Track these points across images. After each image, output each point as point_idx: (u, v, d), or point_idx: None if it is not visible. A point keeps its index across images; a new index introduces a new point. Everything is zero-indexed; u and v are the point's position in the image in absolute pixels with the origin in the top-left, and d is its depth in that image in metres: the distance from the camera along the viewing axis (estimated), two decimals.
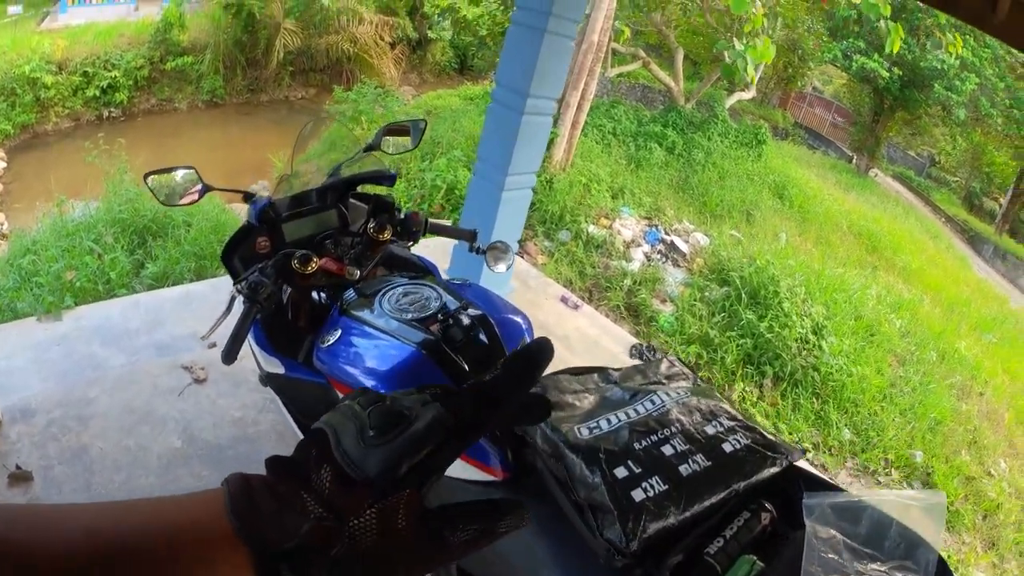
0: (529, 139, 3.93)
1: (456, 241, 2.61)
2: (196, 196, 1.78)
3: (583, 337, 4.92)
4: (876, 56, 16.12)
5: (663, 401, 1.37)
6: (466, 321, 1.51)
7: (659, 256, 7.25)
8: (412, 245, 2.06)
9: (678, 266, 7.19)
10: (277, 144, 9.99)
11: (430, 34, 19.04)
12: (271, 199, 1.86)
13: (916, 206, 20.21)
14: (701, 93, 12.27)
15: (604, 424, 1.30)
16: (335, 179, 1.97)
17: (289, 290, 1.79)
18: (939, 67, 15.50)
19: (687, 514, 1.15)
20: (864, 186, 17.23)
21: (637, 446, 1.24)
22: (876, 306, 7.17)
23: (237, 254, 1.90)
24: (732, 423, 1.35)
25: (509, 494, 1.33)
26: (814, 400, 5.52)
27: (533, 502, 1.28)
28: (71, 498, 2.37)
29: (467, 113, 10.15)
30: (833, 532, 1.15)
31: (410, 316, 1.57)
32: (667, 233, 7.65)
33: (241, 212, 2.13)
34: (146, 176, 1.73)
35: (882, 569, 1.10)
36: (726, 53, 9.73)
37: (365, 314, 1.61)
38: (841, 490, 1.27)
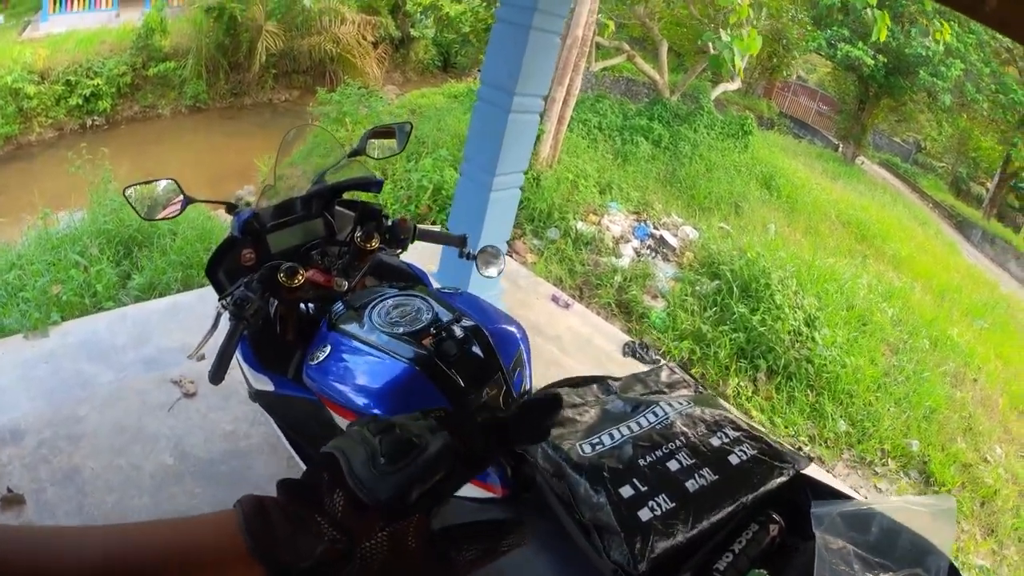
0: (516, 138, 3.87)
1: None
2: (178, 209, 1.73)
3: (575, 336, 4.89)
4: (860, 44, 16.16)
5: (666, 413, 1.33)
6: (460, 333, 1.46)
7: (649, 251, 7.22)
8: (401, 252, 2.02)
9: (668, 261, 7.16)
10: (261, 148, 9.92)
11: (413, 32, 18.91)
12: (255, 210, 1.81)
13: (903, 193, 20.27)
14: (686, 85, 12.25)
15: (607, 439, 1.26)
16: (320, 186, 1.92)
17: (276, 303, 1.74)
18: (924, 54, 15.53)
19: (695, 531, 1.11)
20: (851, 174, 17.25)
21: (642, 462, 1.20)
22: (867, 295, 7.17)
23: (222, 267, 1.85)
24: (737, 433, 1.31)
25: (509, 511, 1.29)
26: (809, 392, 5.50)
27: (534, 519, 1.25)
28: (64, 521, 2.33)
29: (452, 111, 10.09)
30: (843, 542, 1.13)
31: (401, 330, 1.52)
32: (656, 228, 7.62)
33: (226, 219, 2.11)
34: (125, 190, 1.68)
35: None
36: (711, 44, 9.70)
37: (355, 329, 1.56)
38: (848, 497, 1.25)
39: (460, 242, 1.99)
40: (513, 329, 1.67)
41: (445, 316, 1.56)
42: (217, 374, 1.48)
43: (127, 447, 2.72)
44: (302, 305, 1.83)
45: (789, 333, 5.72)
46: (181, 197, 1.73)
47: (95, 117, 13.16)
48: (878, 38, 7.34)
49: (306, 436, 1.82)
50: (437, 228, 4.53)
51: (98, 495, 2.49)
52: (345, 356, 1.52)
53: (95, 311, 4.03)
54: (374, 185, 1.94)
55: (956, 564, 1.13)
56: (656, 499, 1.13)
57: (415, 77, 19.39)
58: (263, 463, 2.75)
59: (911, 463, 5.28)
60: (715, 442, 1.28)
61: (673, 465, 1.20)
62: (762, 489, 1.21)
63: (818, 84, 26.76)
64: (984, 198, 24.62)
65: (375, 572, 0.52)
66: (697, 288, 6.43)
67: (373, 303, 1.63)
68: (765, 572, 1.13)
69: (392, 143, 2.07)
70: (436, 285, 2.04)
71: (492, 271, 2.01)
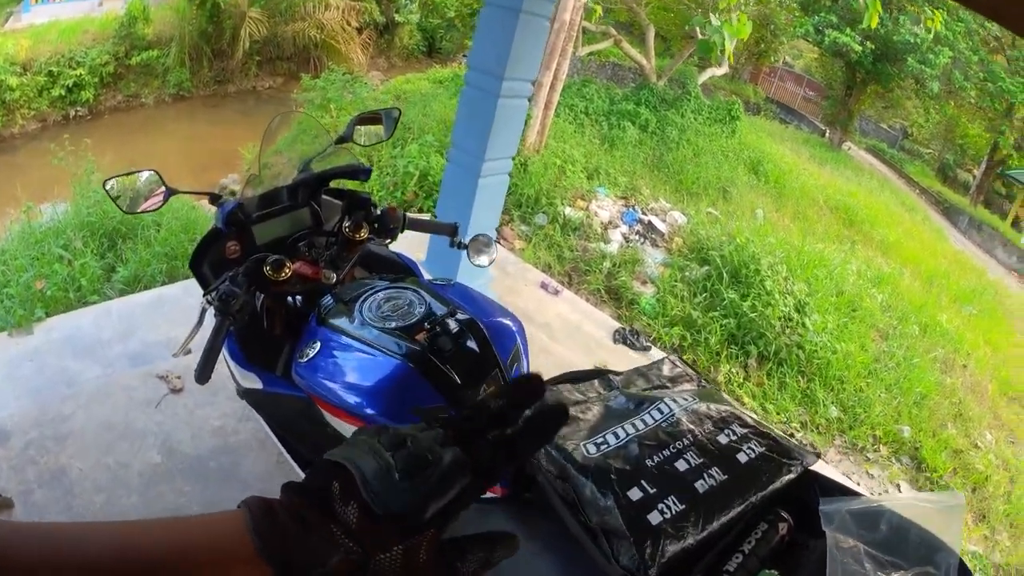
0: (505, 123, 3.82)
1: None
2: (160, 201, 1.67)
3: (565, 323, 4.86)
4: (848, 30, 16.16)
5: (671, 409, 1.28)
6: (454, 328, 1.41)
7: (637, 237, 7.18)
8: (391, 242, 1.96)
9: (657, 246, 7.13)
10: (245, 136, 9.81)
11: (397, 18, 18.76)
12: (239, 201, 1.75)
13: (890, 179, 20.33)
14: (674, 70, 12.20)
15: (611, 439, 1.22)
16: (306, 175, 1.86)
17: (262, 297, 1.69)
18: (912, 41, 15.56)
19: (705, 533, 1.07)
20: (838, 160, 17.27)
21: (649, 463, 1.16)
22: (857, 281, 7.18)
23: (206, 260, 1.78)
24: (745, 430, 1.27)
25: (511, 512, 1.25)
26: (800, 378, 5.50)
27: (536, 520, 1.21)
28: None
29: (437, 97, 10.00)
30: (854, 541, 1.12)
31: (393, 324, 1.47)
32: (644, 213, 7.58)
33: (211, 208, 2.05)
34: (105, 183, 1.61)
35: None
36: (699, 29, 9.65)
37: (345, 324, 1.50)
38: (856, 493, 1.23)
39: (451, 231, 1.94)
40: (509, 322, 1.62)
41: (439, 309, 1.50)
42: (203, 373, 1.43)
43: (114, 445, 2.67)
44: (289, 298, 1.77)
45: (779, 319, 5.70)
46: (163, 188, 1.67)
47: (78, 108, 12.95)
48: (869, 25, 7.31)
49: (296, 434, 1.76)
50: (427, 217, 4.47)
51: (86, 495, 2.44)
52: (335, 353, 1.47)
53: (80, 306, 3.96)
54: (362, 173, 1.88)
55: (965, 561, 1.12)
56: (665, 501, 1.09)
57: (400, 63, 19.25)
58: (252, 460, 2.71)
59: (903, 449, 5.29)
60: (723, 440, 1.24)
61: (681, 465, 1.16)
62: (771, 487, 1.18)
63: (804, 70, 26.80)
64: (971, 185, 24.77)
65: None
66: (686, 274, 6.41)
67: (363, 296, 1.57)
68: (776, 573, 1.11)
69: (379, 129, 2.02)
70: (427, 276, 1.98)
71: (483, 259, 1.96)
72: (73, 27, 13.37)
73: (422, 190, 6.92)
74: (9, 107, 11.82)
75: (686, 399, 1.33)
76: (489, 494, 1.26)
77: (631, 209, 7.60)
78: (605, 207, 7.52)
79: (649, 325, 5.76)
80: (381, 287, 1.61)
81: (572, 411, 1.30)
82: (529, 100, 4.01)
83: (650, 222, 7.40)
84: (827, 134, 20.74)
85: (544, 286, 5.31)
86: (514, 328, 1.61)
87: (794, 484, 1.22)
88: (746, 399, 5.18)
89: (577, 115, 10.38)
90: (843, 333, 5.97)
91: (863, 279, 7.42)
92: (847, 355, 5.71)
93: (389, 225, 1.85)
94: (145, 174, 1.65)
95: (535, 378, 0.58)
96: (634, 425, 1.25)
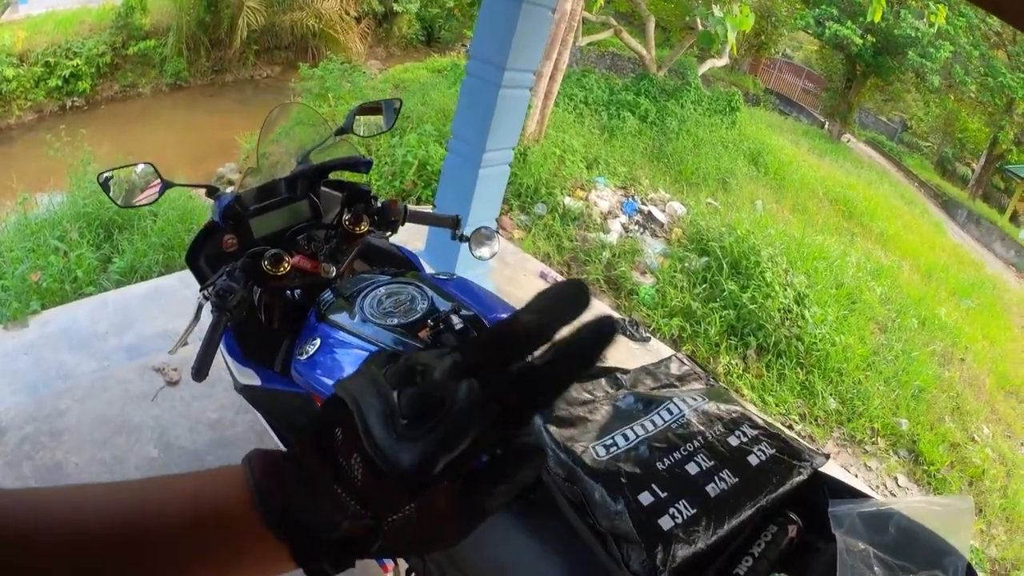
0: (506, 114, 3.78)
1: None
2: (155, 194, 1.63)
3: None
4: (849, 23, 16.14)
5: (680, 410, 1.26)
6: (458, 325, 1.37)
7: (637, 227, 7.17)
8: (391, 235, 1.93)
9: (656, 236, 7.11)
10: (243, 125, 9.77)
11: (396, 7, 18.69)
12: (237, 194, 1.71)
13: (889, 171, 20.34)
14: (674, 61, 12.16)
15: (620, 440, 1.19)
16: (305, 167, 1.82)
17: (260, 291, 1.66)
18: (913, 35, 15.57)
19: (715, 537, 1.05)
20: (837, 152, 17.27)
21: (660, 466, 1.14)
22: (856, 273, 7.19)
23: (203, 254, 1.75)
24: (755, 431, 1.25)
25: (514, 514, 1.23)
26: (799, 370, 5.50)
27: (542, 521, 1.18)
28: None
29: (436, 86, 9.98)
30: (864, 544, 1.10)
31: (396, 321, 1.43)
32: (644, 203, 7.56)
33: (208, 199, 2.01)
34: (99, 176, 1.58)
35: None
36: (699, 20, 9.61)
37: (345, 320, 1.47)
38: (865, 495, 1.21)
39: (452, 223, 1.91)
40: None
41: (442, 305, 1.47)
42: (201, 370, 1.39)
43: (111, 439, 2.64)
44: (288, 291, 1.74)
45: (779, 311, 5.70)
46: (159, 181, 1.63)
47: (75, 98, 12.89)
48: (873, 19, 7.28)
49: (295, 431, 1.74)
50: (428, 209, 4.45)
51: None
52: (336, 350, 1.43)
53: (75, 298, 3.94)
54: (362, 165, 1.85)
55: (974, 566, 1.11)
56: (676, 505, 1.07)
57: (398, 52, 19.20)
58: None
59: (900, 442, 5.29)
60: (733, 441, 1.22)
61: (692, 468, 1.14)
62: (781, 490, 1.16)
63: (804, 62, 26.84)
64: (969, 179, 24.82)
65: (405, 543, 0.47)
66: (686, 264, 6.40)
67: (364, 291, 1.54)
68: None
69: (379, 120, 1.98)
70: (428, 269, 1.95)
71: (485, 252, 1.93)
72: (70, 17, 13.32)
73: (420, 179, 6.90)
74: (5, 98, 11.77)
75: (695, 399, 1.31)
76: None
77: (630, 199, 7.58)
78: (604, 197, 7.49)
79: (648, 316, 5.75)
80: (382, 282, 1.58)
81: (580, 411, 1.28)
82: (530, 90, 3.97)
83: (649, 212, 7.38)
84: (826, 126, 20.76)
85: (543, 276, 5.28)
86: None
87: (804, 486, 1.21)
88: (745, 390, 5.18)
89: (577, 105, 10.37)
90: (842, 325, 5.97)
91: (862, 271, 7.42)
92: (846, 347, 5.72)
93: (390, 218, 1.81)
94: (140, 167, 1.61)
95: (578, 284, 0.46)
96: (643, 426, 1.23)
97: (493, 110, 3.65)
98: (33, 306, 3.57)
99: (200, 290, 1.51)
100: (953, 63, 17.54)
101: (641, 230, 7.14)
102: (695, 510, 1.07)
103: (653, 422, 1.24)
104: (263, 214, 1.72)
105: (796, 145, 14.64)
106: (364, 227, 1.71)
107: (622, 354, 4.40)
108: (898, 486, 4.89)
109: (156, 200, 1.65)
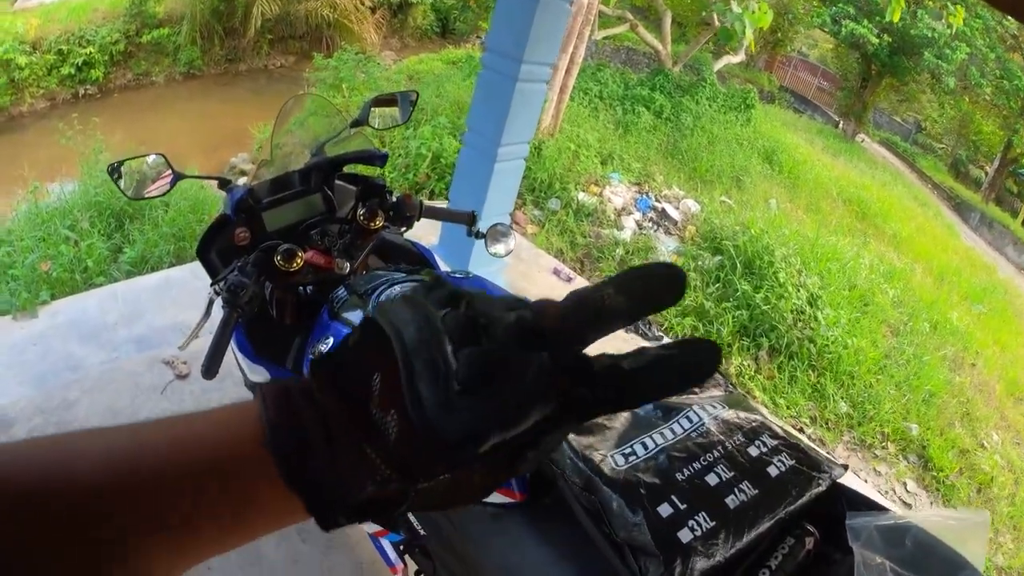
0: (522, 107, 3.75)
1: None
2: (167, 186, 1.62)
3: None
4: (866, 22, 16.05)
5: (700, 418, 1.24)
6: None
7: (650, 224, 7.14)
8: (406, 230, 1.90)
9: (670, 234, 7.08)
10: (256, 115, 9.78)
11: None
12: (250, 186, 1.69)
13: (903, 172, 20.22)
14: (689, 56, 12.10)
15: (640, 449, 1.18)
16: (319, 159, 1.80)
17: (272, 287, 1.64)
18: (929, 35, 15.47)
19: (734, 550, 1.04)
20: (852, 151, 17.17)
21: (680, 476, 1.12)
22: (869, 275, 7.14)
23: (214, 248, 1.73)
24: (775, 441, 1.23)
25: (527, 518, 1.21)
26: (811, 373, 5.46)
27: (556, 527, 1.17)
28: None
29: (451, 78, 9.95)
30: (880, 558, 1.10)
31: None
32: (658, 200, 7.53)
33: (220, 191, 2.00)
34: (110, 167, 1.55)
35: None
36: (716, 16, 9.56)
37: (359, 318, 1.45)
38: (882, 508, 1.21)
39: (469, 219, 1.88)
40: None
41: None
42: (211, 368, 1.38)
43: None
44: (300, 288, 1.72)
45: (792, 312, 5.66)
46: (170, 173, 1.61)
47: (88, 86, 12.94)
48: (892, 19, 7.22)
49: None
50: (443, 204, 4.42)
51: None
52: None
53: (85, 288, 3.93)
54: (378, 158, 1.82)
55: None
56: (696, 518, 1.05)
57: (413, 43, 19.19)
58: None
59: (910, 447, 5.25)
60: (753, 452, 1.20)
61: (712, 479, 1.12)
62: (800, 502, 1.14)
63: (819, 60, 26.70)
64: (983, 181, 24.70)
65: (428, 505, 0.42)
66: (699, 263, 6.36)
67: (379, 288, 1.51)
68: None
69: (395, 112, 1.96)
70: (443, 266, 1.93)
71: (501, 249, 1.90)
72: (83, 5, 13.35)
73: (434, 172, 6.88)
74: (18, 85, 11.82)
75: (714, 406, 1.30)
76: (505, 499, 1.22)
77: (644, 196, 7.55)
78: (619, 193, 7.46)
79: (661, 314, 5.71)
80: (397, 279, 1.55)
81: (598, 418, 1.26)
82: (546, 84, 3.95)
83: (663, 209, 7.35)
84: (841, 125, 20.65)
85: (556, 272, 5.26)
86: None
87: (822, 497, 1.19)
88: (757, 392, 5.15)
89: (592, 99, 10.32)
90: (855, 328, 5.93)
91: (875, 273, 7.37)
92: (858, 350, 5.67)
93: (405, 213, 1.79)
94: (151, 157, 1.60)
95: (673, 268, 0.41)
96: (663, 435, 1.21)
97: (509, 103, 3.63)
98: (43, 296, 3.57)
99: (211, 285, 1.49)
100: (969, 65, 17.44)
101: (655, 227, 7.11)
102: (714, 523, 1.05)
103: (672, 430, 1.22)
104: (276, 207, 1.70)
105: (811, 144, 14.56)
106: (379, 222, 1.68)
107: None
108: (907, 491, 4.85)
109: (167, 192, 1.63)
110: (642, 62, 16.50)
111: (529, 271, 5.07)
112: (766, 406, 5.00)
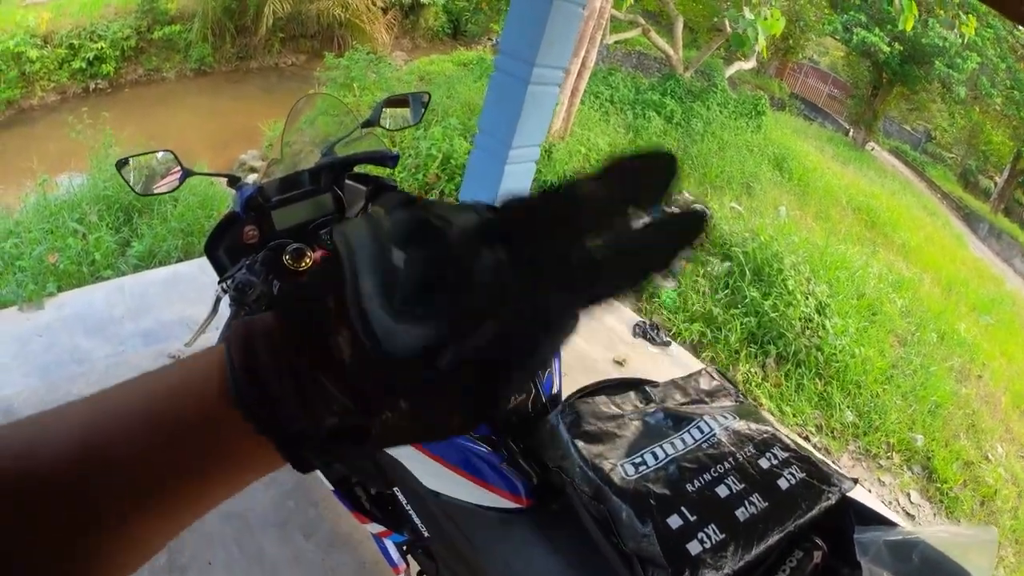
0: (534, 110, 3.75)
1: None
2: (175, 182, 1.61)
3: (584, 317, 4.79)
4: (877, 30, 16.01)
5: (711, 428, 1.23)
6: None
7: None
8: None
9: None
10: (267, 113, 9.81)
11: None
12: (259, 184, 1.68)
13: (912, 181, 20.16)
14: (701, 62, 12.08)
15: (650, 459, 1.16)
16: (330, 159, 1.79)
17: (280, 286, 1.63)
18: (940, 44, 15.42)
19: (743, 563, 1.02)
20: (861, 160, 17.11)
21: (690, 488, 1.11)
22: (877, 284, 7.10)
23: (222, 245, 1.72)
24: (786, 454, 1.22)
25: (533, 525, 1.20)
26: (817, 381, 5.43)
27: (563, 534, 1.16)
28: None
29: (462, 79, 9.93)
30: (888, 574, 1.10)
31: None
32: (667, 205, 7.49)
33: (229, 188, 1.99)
34: (118, 163, 1.55)
35: None
36: (727, 22, 9.54)
37: None
38: (891, 522, 1.19)
39: None
40: None
41: None
42: None
43: None
44: None
45: (800, 320, 5.63)
46: (179, 169, 1.60)
47: (98, 81, 12.98)
48: (905, 27, 7.20)
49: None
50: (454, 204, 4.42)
51: None
52: None
53: (93, 281, 3.93)
54: (389, 159, 1.80)
55: None
56: (705, 530, 1.04)
57: (424, 44, 19.19)
58: None
59: (915, 458, 5.22)
60: (764, 464, 1.18)
61: (722, 491, 1.11)
62: (810, 515, 1.13)
63: (830, 67, 26.63)
64: (992, 192, 24.60)
65: (403, 438, 0.38)
66: (708, 269, 6.33)
67: None
68: None
69: (407, 113, 1.95)
70: None
71: None
72: (95, 0, 13.38)
73: (444, 173, 6.87)
74: (29, 79, 11.87)
75: (725, 416, 1.28)
76: (512, 504, 1.21)
77: None
78: None
79: (669, 320, 5.69)
80: None
81: (609, 426, 1.25)
82: (558, 87, 3.95)
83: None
84: (851, 133, 20.60)
85: None
86: None
87: (831, 511, 1.18)
88: (763, 399, 5.12)
89: (602, 103, 10.31)
90: (862, 337, 5.89)
91: (884, 283, 7.33)
92: (865, 360, 5.64)
93: None
94: (161, 154, 1.59)
95: (666, 154, 0.36)
96: (673, 445, 1.20)
97: (521, 106, 3.62)
98: (49, 288, 3.56)
99: (219, 282, 1.48)
100: (980, 75, 17.36)
101: None
102: (724, 535, 1.04)
103: (683, 440, 1.21)
104: (285, 206, 1.69)
105: (821, 151, 14.51)
106: None
107: (642, 359, 4.36)
108: (911, 502, 4.82)
109: (176, 188, 1.62)
110: (653, 67, 16.49)
111: None
112: (772, 414, 4.97)
